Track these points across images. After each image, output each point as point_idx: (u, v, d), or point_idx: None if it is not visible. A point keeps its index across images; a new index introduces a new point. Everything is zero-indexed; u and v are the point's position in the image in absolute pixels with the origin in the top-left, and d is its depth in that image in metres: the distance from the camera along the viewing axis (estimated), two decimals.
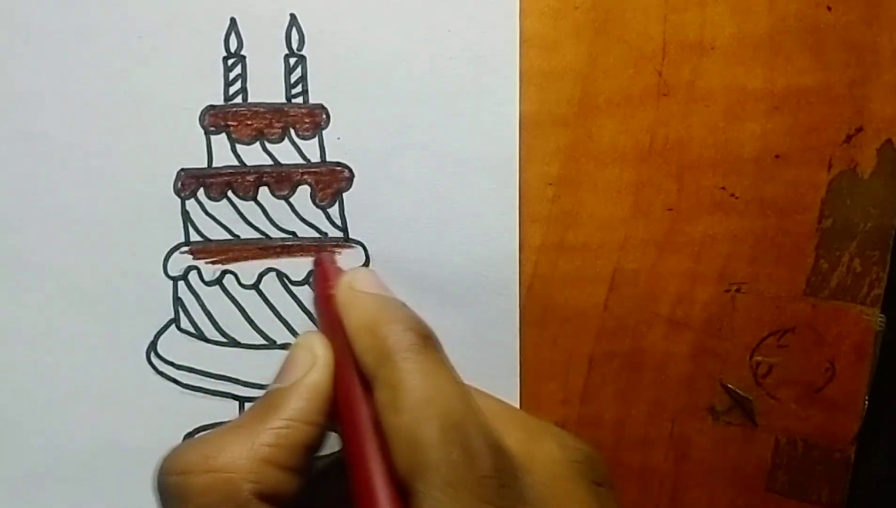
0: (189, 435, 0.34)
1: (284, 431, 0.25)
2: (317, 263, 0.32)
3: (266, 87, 0.33)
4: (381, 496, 0.23)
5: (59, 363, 0.33)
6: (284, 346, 0.34)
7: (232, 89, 0.32)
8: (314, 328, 0.34)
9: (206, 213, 0.33)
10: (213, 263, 0.33)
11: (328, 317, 0.29)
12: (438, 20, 0.32)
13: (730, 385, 0.36)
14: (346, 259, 0.34)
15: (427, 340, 0.26)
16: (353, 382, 0.26)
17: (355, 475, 0.24)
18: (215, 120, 0.33)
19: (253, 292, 0.34)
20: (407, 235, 0.34)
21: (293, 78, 0.33)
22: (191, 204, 0.33)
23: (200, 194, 0.33)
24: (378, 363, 0.25)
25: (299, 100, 0.33)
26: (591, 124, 0.33)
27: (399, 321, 0.26)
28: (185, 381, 0.34)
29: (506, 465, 0.24)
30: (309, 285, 0.34)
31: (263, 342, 0.34)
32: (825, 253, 0.34)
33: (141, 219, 0.33)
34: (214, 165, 0.33)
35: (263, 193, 0.33)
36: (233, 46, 0.32)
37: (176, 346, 0.34)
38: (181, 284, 0.33)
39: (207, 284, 0.33)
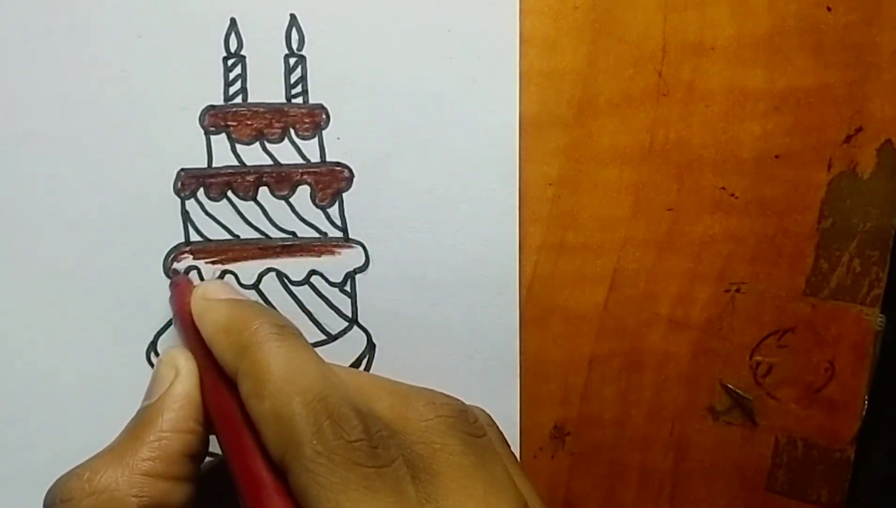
0: None
1: (158, 443, 0.25)
2: (173, 284, 0.32)
3: (266, 87, 0.33)
4: (264, 481, 0.24)
5: (59, 363, 0.33)
6: None
7: (232, 89, 0.32)
8: (316, 328, 0.34)
9: (206, 213, 0.33)
10: (213, 263, 0.33)
11: (187, 332, 0.29)
12: (438, 20, 0.32)
13: (730, 385, 0.36)
14: (347, 259, 0.34)
15: (283, 328, 0.27)
16: (219, 384, 0.26)
17: (236, 469, 0.25)
18: (215, 120, 0.33)
19: (253, 292, 0.34)
20: (407, 235, 0.34)
21: (293, 78, 0.33)
22: (191, 204, 0.33)
23: (200, 194, 0.33)
24: (237, 357, 0.26)
25: (299, 100, 0.33)
26: (591, 124, 0.33)
27: (253, 318, 0.27)
28: None
29: (376, 428, 0.24)
30: (309, 290, 0.34)
31: None
32: (825, 253, 0.34)
33: (141, 219, 0.33)
34: (214, 165, 0.33)
35: (263, 193, 0.33)
36: (233, 46, 0.32)
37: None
38: None
39: None
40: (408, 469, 0.24)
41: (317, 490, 0.23)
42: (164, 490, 0.25)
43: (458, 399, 0.28)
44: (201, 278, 0.33)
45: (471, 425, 0.27)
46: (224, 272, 0.33)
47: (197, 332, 0.28)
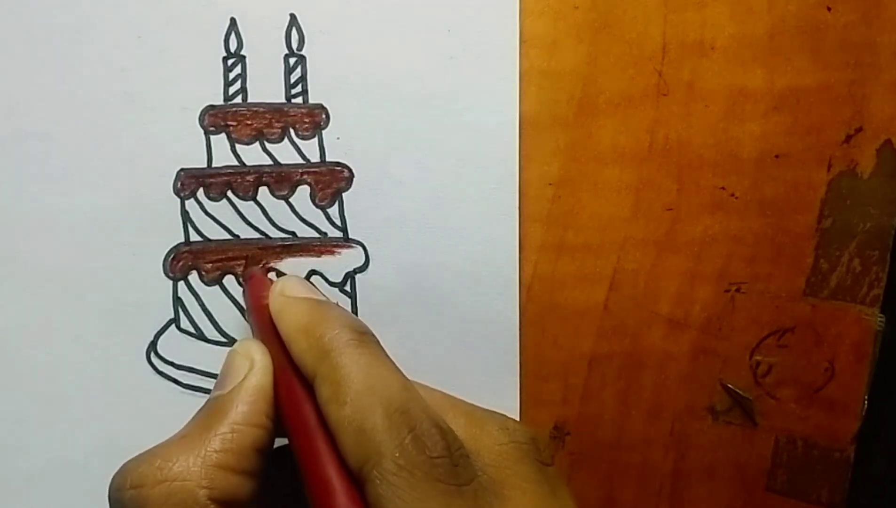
0: None
1: (231, 435, 0.25)
2: (248, 277, 0.32)
3: (266, 87, 0.33)
4: (337, 489, 0.23)
5: (59, 363, 0.33)
6: None
7: (232, 89, 0.32)
8: (373, 336, 0.34)
9: (206, 213, 0.33)
10: (213, 263, 0.33)
11: (263, 326, 0.29)
12: (438, 20, 0.32)
13: (730, 385, 0.36)
14: (347, 259, 0.34)
15: (363, 335, 0.26)
16: (294, 384, 0.26)
17: (308, 473, 0.24)
18: (215, 120, 0.33)
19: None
20: (407, 235, 0.34)
21: (293, 78, 0.33)
22: (191, 204, 0.33)
23: (200, 194, 0.33)
24: (317, 361, 0.25)
25: (299, 100, 0.33)
26: (591, 124, 0.33)
27: (333, 320, 0.26)
28: (185, 381, 0.34)
29: (456, 445, 0.24)
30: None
31: None
32: (825, 253, 0.34)
33: (141, 219, 0.33)
34: (214, 165, 0.33)
35: (263, 193, 0.33)
36: (233, 46, 0.32)
37: (176, 346, 0.34)
38: (181, 284, 0.33)
39: (207, 284, 0.33)
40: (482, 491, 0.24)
41: (396, 504, 0.22)
42: (234, 483, 0.25)
43: (528, 426, 0.28)
44: (202, 279, 0.33)
45: (542, 453, 0.27)
46: (224, 273, 0.33)
47: (273, 327, 0.28)
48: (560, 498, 0.26)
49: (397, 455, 0.23)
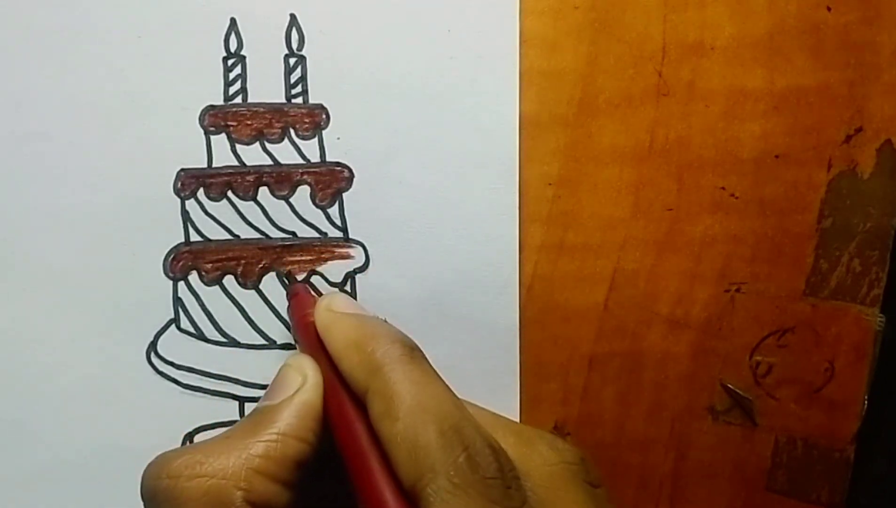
0: (189, 435, 0.34)
1: (275, 444, 0.25)
2: (292, 293, 0.33)
3: (266, 87, 0.33)
4: (391, 505, 0.23)
5: (59, 363, 0.33)
6: (284, 346, 0.34)
7: (232, 89, 0.32)
8: (421, 352, 0.34)
9: (206, 213, 0.33)
10: (213, 263, 0.33)
11: (309, 342, 0.29)
12: (438, 20, 0.32)
13: (730, 385, 0.36)
14: (346, 259, 0.34)
15: (413, 351, 0.26)
16: (345, 400, 0.26)
17: (362, 488, 0.24)
18: (215, 120, 0.33)
19: (253, 292, 0.34)
20: (407, 235, 0.34)
21: (293, 78, 0.33)
22: (191, 204, 0.33)
23: (200, 194, 0.33)
24: (368, 376, 0.25)
25: (299, 100, 0.33)
26: (591, 124, 0.33)
27: (383, 336, 0.26)
28: (185, 381, 0.34)
29: (509, 466, 0.24)
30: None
31: (263, 342, 0.34)
32: (825, 253, 0.35)
33: (141, 219, 0.33)
34: (214, 165, 0.33)
35: (263, 193, 0.33)
36: (233, 46, 0.32)
37: (176, 346, 0.34)
38: (181, 284, 0.33)
39: (207, 284, 0.33)
40: None
41: None
42: (271, 490, 0.25)
43: (577, 447, 0.28)
44: (202, 279, 0.33)
45: (591, 474, 0.27)
46: (224, 273, 0.33)
47: (320, 343, 0.28)
48: None
49: (452, 473, 0.23)
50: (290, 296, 0.33)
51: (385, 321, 0.29)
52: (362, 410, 0.25)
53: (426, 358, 0.27)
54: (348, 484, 0.25)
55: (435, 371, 0.26)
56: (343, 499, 0.27)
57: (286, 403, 0.26)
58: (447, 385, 0.26)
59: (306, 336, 0.29)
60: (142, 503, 0.25)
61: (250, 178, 0.33)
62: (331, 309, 0.29)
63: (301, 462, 0.26)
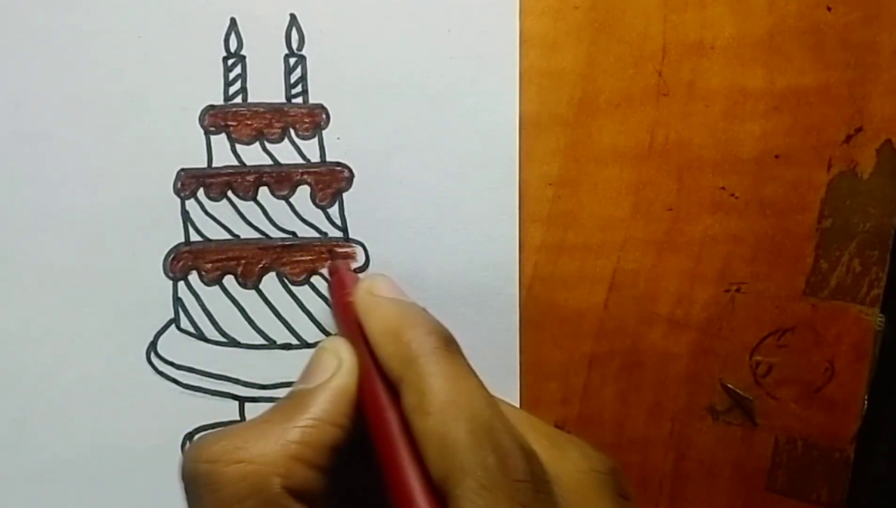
0: (189, 435, 0.34)
1: (311, 430, 0.25)
2: (332, 271, 0.32)
3: (266, 87, 0.33)
4: (419, 498, 0.23)
5: (59, 363, 0.33)
6: (284, 346, 0.34)
7: (232, 89, 0.32)
8: (316, 328, 0.34)
9: (206, 213, 0.33)
10: (213, 263, 0.33)
11: (348, 324, 0.29)
12: (438, 20, 0.32)
13: (730, 385, 0.36)
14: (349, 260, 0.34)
15: (449, 344, 0.26)
16: (378, 386, 0.26)
17: (391, 478, 0.24)
18: (215, 120, 0.33)
19: (253, 292, 0.34)
20: (407, 235, 0.34)
21: (293, 78, 0.33)
22: (191, 204, 0.33)
23: (200, 194, 0.33)
24: (403, 367, 0.25)
25: (299, 100, 0.33)
26: (591, 124, 0.33)
27: (421, 326, 0.26)
28: (185, 381, 0.34)
29: (539, 470, 0.24)
30: (309, 289, 0.34)
31: (263, 342, 0.34)
32: (825, 253, 0.35)
33: (141, 219, 0.33)
34: (214, 165, 0.33)
35: (263, 193, 0.33)
36: (233, 46, 0.32)
37: (176, 346, 0.34)
38: (181, 284, 0.33)
39: (207, 284, 0.33)
40: None
41: None
42: (307, 476, 0.24)
43: (608, 456, 0.27)
44: (202, 279, 0.33)
45: (621, 485, 0.26)
46: (224, 273, 0.33)
47: (358, 326, 0.28)
48: None
49: (480, 474, 0.22)
50: (331, 273, 0.32)
51: (424, 310, 0.28)
52: (396, 398, 0.25)
53: (461, 352, 0.27)
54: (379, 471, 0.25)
55: (469, 366, 0.26)
56: (376, 484, 0.27)
57: (322, 387, 0.26)
58: (481, 382, 0.26)
59: (345, 317, 0.29)
60: (181, 486, 0.25)
61: (250, 178, 0.33)
62: (371, 292, 0.28)
63: (336, 447, 0.25)
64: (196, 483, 0.24)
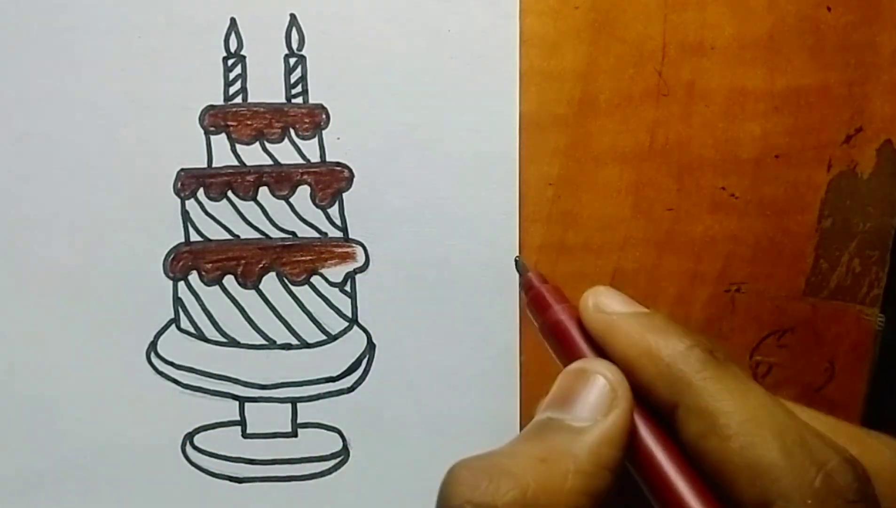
0: (189, 435, 0.34)
1: (592, 481, 0.21)
2: (527, 287, 0.27)
3: (266, 87, 0.33)
4: None
5: (59, 363, 0.33)
6: (284, 346, 0.34)
7: (232, 89, 0.32)
8: (316, 328, 0.34)
9: (206, 213, 0.33)
10: (213, 263, 0.33)
11: (574, 348, 0.25)
12: (438, 20, 0.32)
13: None
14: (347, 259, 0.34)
15: (715, 353, 0.23)
16: (643, 416, 0.23)
17: None
18: (215, 120, 0.33)
19: (253, 292, 0.34)
20: (407, 235, 0.34)
21: (293, 78, 0.33)
22: (191, 204, 0.33)
23: (200, 194, 0.33)
24: (675, 391, 0.22)
25: (299, 100, 0.33)
26: (591, 124, 0.33)
27: (678, 339, 0.23)
28: (185, 381, 0.34)
29: (869, 487, 0.21)
30: (309, 290, 0.34)
31: (263, 342, 0.34)
32: (825, 253, 0.34)
33: (141, 219, 0.33)
34: (214, 165, 0.33)
35: (263, 193, 0.33)
36: (233, 46, 0.32)
37: (176, 346, 0.34)
38: (181, 284, 0.33)
39: (207, 284, 0.33)
40: None
41: None
42: None
43: None
44: (202, 279, 0.33)
45: None
46: (224, 273, 0.33)
47: (594, 349, 0.24)
48: None
49: (809, 501, 0.20)
50: (526, 290, 0.28)
51: (669, 318, 0.24)
52: (662, 426, 0.22)
53: (730, 357, 0.23)
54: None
55: (748, 374, 0.23)
56: None
57: (599, 426, 0.22)
58: (765, 389, 0.23)
59: (569, 345, 0.25)
60: None
61: (250, 178, 0.33)
62: (600, 309, 0.25)
63: (606, 494, 0.22)
64: None
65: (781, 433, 0.21)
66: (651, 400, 0.23)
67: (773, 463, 0.20)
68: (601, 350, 0.24)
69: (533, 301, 0.27)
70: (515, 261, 0.29)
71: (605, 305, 0.25)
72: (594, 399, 0.23)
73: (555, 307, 0.26)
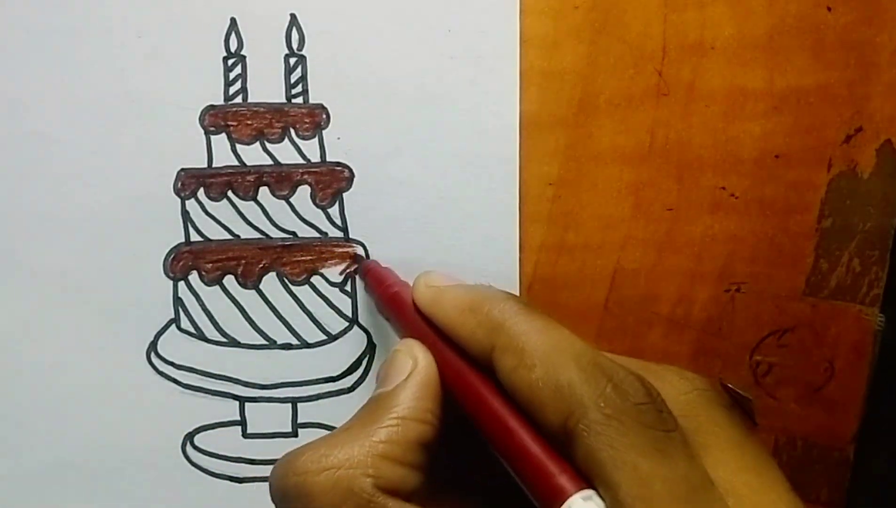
0: (189, 435, 0.34)
1: (397, 428, 0.25)
2: (366, 271, 0.33)
3: (266, 87, 0.33)
4: (544, 453, 0.23)
5: (59, 363, 0.33)
6: (284, 346, 0.34)
7: (232, 89, 0.32)
8: (316, 328, 0.34)
9: (206, 213, 0.33)
10: (213, 263, 0.33)
11: (409, 320, 0.29)
12: (438, 20, 0.32)
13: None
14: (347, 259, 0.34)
15: (528, 305, 0.26)
16: (463, 368, 0.26)
17: (507, 447, 0.24)
18: (215, 120, 0.33)
19: (253, 292, 0.34)
20: (407, 235, 0.34)
21: (293, 78, 0.33)
22: (191, 204, 0.33)
23: (200, 193, 0.33)
24: (491, 335, 0.25)
25: (299, 100, 0.33)
26: (591, 124, 0.33)
27: (495, 295, 0.26)
28: (185, 381, 0.34)
29: (655, 392, 0.24)
30: (309, 289, 0.34)
31: (263, 342, 0.34)
32: (825, 253, 0.35)
33: (141, 219, 0.33)
34: (214, 165, 0.33)
35: (263, 193, 0.33)
36: (233, 46, 0.32)
37: (176, 346, 0.34)
38: (181, 284, 0.33)
39: (207, 284, 0.33)
40: None
41: (610, 454, 0.22)
42: (399, 474, 0.24)
43: (701, 375, 0.28)
44: (202, 279, 0.33)
45: (726, 397, 0.27)
46: (224, 273, 0.33)
47: (422, 319, 0.28)
48: (754, 441, 0.26)
49: (602, 405, 0.22)
50: (364, 274, 0.32)
51: (490, 285, 0.28)
52: (485, 373, 0.25)
53: (541, 311, 0.27)
54: (478, 458, 0.25)
55: (556, 320, 0.26)
56: (480, 470, 0.26)
57: (401, 387, 0.26)
58: (570, 331, 0.26)
59: (405, 316, 0.29)
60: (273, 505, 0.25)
61: (250, 178, 0.33)
62: (431, 285, 0.28)
63: (425, 443, 0.25)
64: (288, 498, 0.24)
65: (578, 357, 0.24)
66: (474, 352, 0.26)
67: (571, 381, 0.23)
68: (430, 320, 0.28)
69: (372, 279, 0.32)
70: (356, 256, 0.33)
71: (432, 281, 0.28)
72: (398, 369, 0.27)
73: (391, 281, 0.30)
